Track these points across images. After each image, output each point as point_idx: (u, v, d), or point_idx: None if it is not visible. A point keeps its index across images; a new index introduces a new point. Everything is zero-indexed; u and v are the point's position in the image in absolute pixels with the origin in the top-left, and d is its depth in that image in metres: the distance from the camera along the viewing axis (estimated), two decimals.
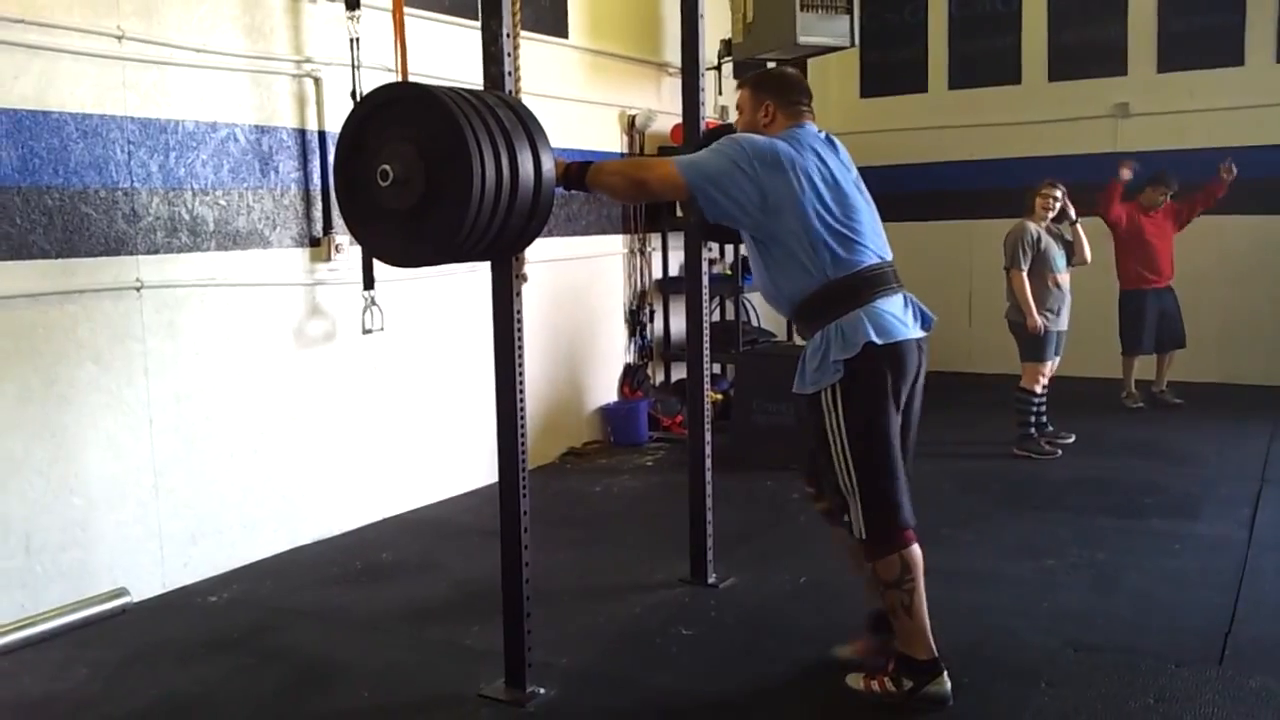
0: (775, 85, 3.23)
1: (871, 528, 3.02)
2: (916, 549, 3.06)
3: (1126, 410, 7.27)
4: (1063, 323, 6.14)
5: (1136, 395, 7.33)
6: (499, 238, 2.82)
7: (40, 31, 3.72)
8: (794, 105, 3.19)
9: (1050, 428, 6.31)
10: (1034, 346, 6.10)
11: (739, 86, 3.34)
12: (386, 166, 2.72)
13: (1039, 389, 6.16)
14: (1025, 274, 6.00)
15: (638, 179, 3.16)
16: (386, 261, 3.00)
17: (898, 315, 3.03)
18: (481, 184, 2.66)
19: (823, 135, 3.18)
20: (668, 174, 3.04)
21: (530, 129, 2.84)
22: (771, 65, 3.35)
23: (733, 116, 7.71)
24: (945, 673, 3.06)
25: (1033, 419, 6.17)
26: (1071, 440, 6.28)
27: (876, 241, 3.08)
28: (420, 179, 2.71)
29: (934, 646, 3.07)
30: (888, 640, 3.19)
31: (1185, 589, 3.96)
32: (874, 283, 3.02)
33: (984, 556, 4.41)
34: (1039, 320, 5.98)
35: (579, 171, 3.06)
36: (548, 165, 2.85)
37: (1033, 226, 6.07)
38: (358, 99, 4.71)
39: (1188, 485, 5.39)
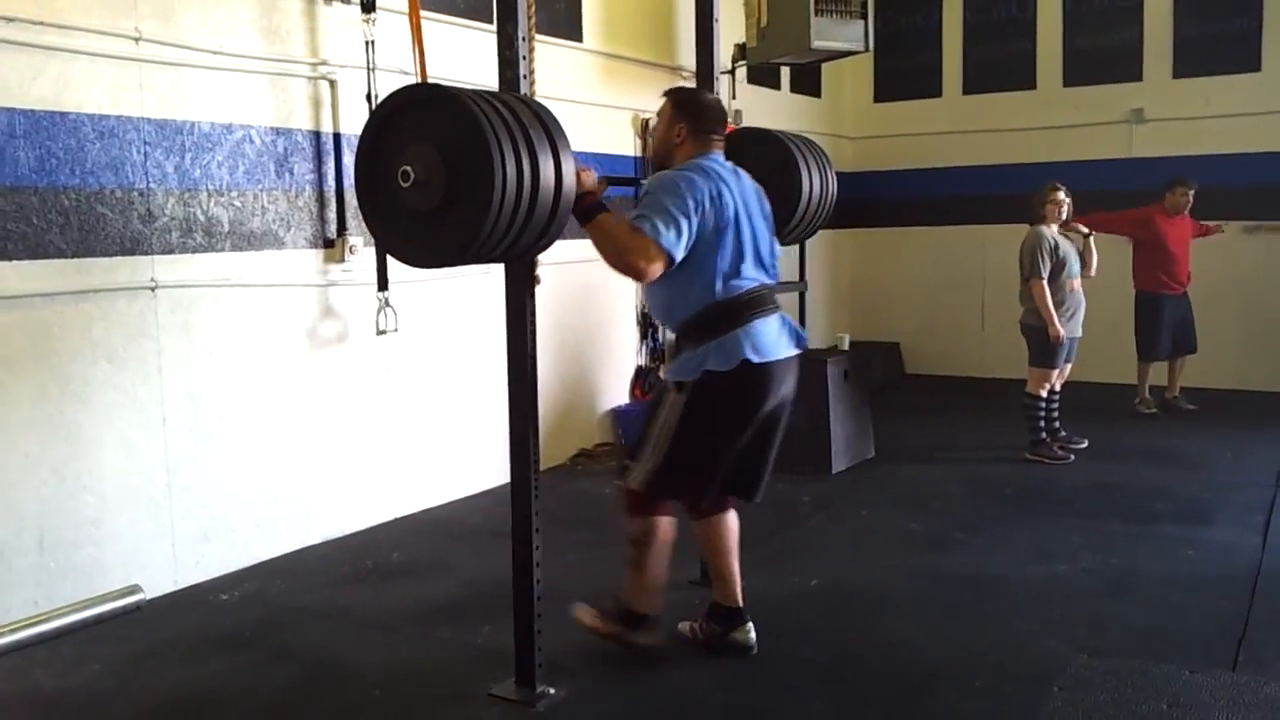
0: (692, 110, 3.34)
1: (645, 490, 3.27)
2: (666, 523, 3.36)
3: (1139, 416, 7.24)
4: (1077, 328, 6.13)
5: (1150, 401, 7.31)
6: (517, 241, 2.82)
7: (58, 33, 3.75)
8: (705, 134, 3.33)
9: (1063, 432, 6.29)
10: (1045, 352, 6.08)
11: (664, 95, 3.45)
12: (408, 167, 2.72)
13: (1045, 393, 6.13)
14: (1045, 282, 5.96)
15: (623, 256, 3.07)
16: (404, 261, 2.99)
17: (773, 336, 3.23)
18: (502, 188, 2.65)
19: (729, 166, 3.32)
20: (651, 263, 3.05)
21: (552, 132, 2.83)
22: (683, 85, 3.49)
23: (745, 120, 7.75)
24: (653, 627, 3.42)
25: (1043, 423, 6.15)
26: (1084, 445, 6.27)
27: (760, 267, 3.28)
28: (441, 181, 2.70)
29: (655, 604, 3.42)
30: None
31: (1198, 594, 3.94)
32: (752, 305, 3.22)
33: (996, 561, 4.40)
34: (1061, 329, 5.95)
35: (590, 208, 3.05)
36: (568, 170, 2.83)
37: (1047, 232, 6.04)
38: (375, 101, 4.74)
39: (1200, 491, 5.37)
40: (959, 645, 3.53)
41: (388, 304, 4.94)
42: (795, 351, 3.31)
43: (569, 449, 6.37)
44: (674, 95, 3.43)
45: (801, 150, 3.98)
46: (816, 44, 6.40)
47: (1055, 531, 4.78)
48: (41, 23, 3.70)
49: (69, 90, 3.80)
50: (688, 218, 3.06)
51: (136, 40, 4.00)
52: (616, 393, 6.83)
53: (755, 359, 3.14)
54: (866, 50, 6.68)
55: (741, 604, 3.50)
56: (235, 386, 4.42)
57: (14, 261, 3.66)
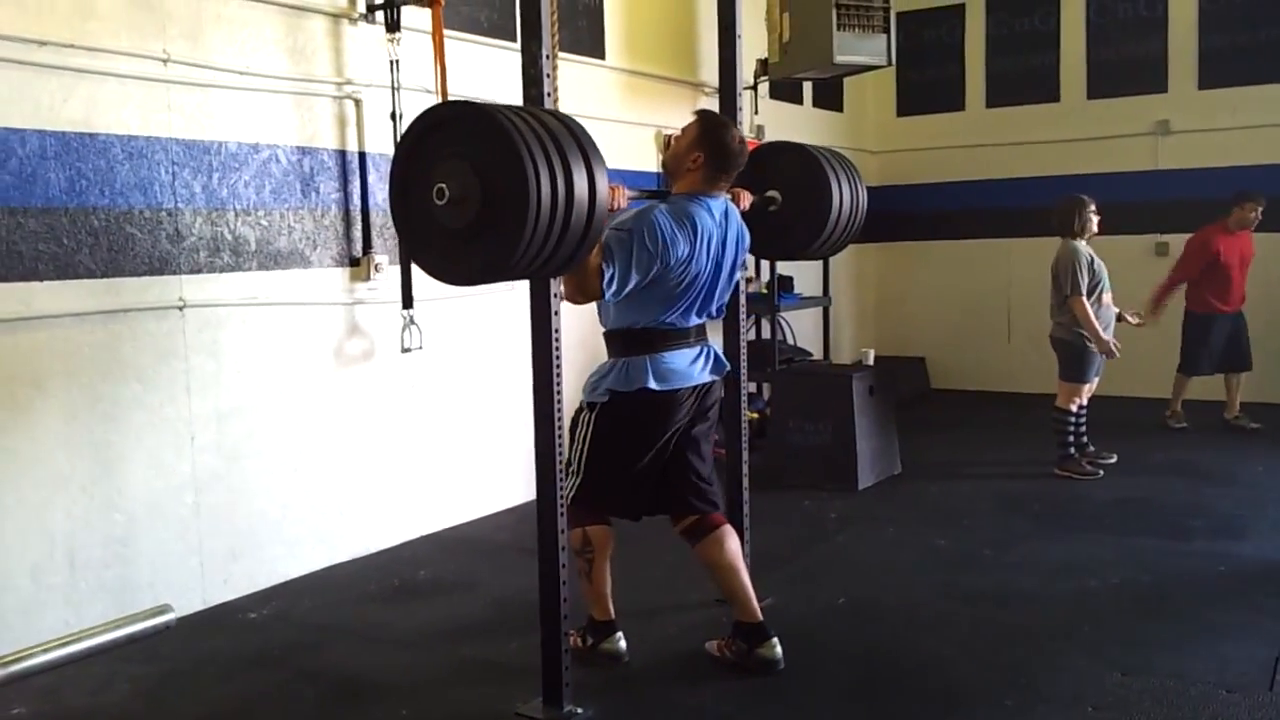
0: (714, 147, 3.35)
1: (572, 506, 3.36)
2: (601, 530, 3.51)
3: (1169, 429, 7.14)
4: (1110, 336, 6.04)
5: (1181, 415, 7.20)
6: (552, 258, 2.80)
7: (88, 55, 3.79)
8: (718, 173, 3.38)
9: (1091, 447, 6.23)
10: (1076, 367, 6.02)
11: (696, 114, 3.50)
12: (442, 185, 2.71)
13: (1075, 408, 6.07)
14: (1085, 298, 5.88)
15: (573, 286, 3.20)
16: (439, 279, 2.96)
17: (681, 368, 3.38)
18: (537, 205, 2.64)
19: (722, 208, 3.41)
20: (585, 301, 3.26)
21: (585, 147, 2.83)
22: (704, 111, 3.52)
23: (768, 135, 7.74)
24: (619, 633, 3.56)
25: (1071, 438, 6.09)
26: (1113, 460, 6.20)
27: (695, 312, 3.40)
28: (476, 198, 2.69)
29: (611, 610, 3.57)
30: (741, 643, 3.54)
31: (1232, 612, 3.89)
32: (671, 337, 3.37)
33: (1026, 578, 4.36)
34: (1110, 343, 5.88)
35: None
36: (601, 185, 2.82)
37: (1083, 247, 5.98)
38: (400, 119, 4.77)
39: (1232, 506, 5.30)
40: (989, 664, 3.50)
41: (413, 322, 4.95)
42: (709, 378, 3.46)
43: None
44: (704, 122, 3.43)
45: (832, 163, 3.97)
46: (839, 59, 6.40)
47: (1085, 548, 4.73)
48: (72, 45, 3.74)
49: (98, 112, 3.84)
50: (644, 273, 3.18)
51: (165, 62, 4.04)
52: None
53: (656, 386, 3.31)
54: (889, 64, 6.67)
55: (761, 619, 3.50)
56: (263, 405, 4.44)
57: (45, 282, 3.70)
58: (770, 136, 7.55)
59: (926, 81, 9.25)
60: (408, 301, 4.92)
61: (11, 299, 3.61)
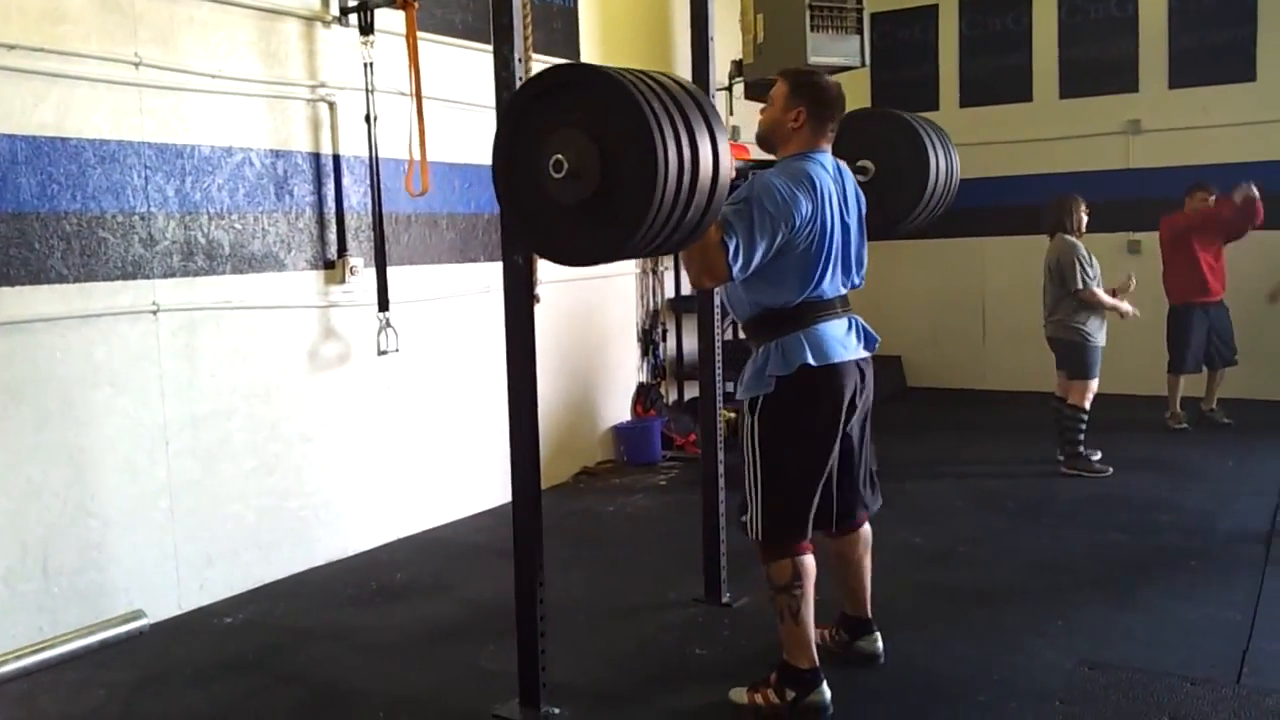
0: (812, 95, 3.17)
1: (767, 532, 3.13)
2: (810, 559, 3.15)
3: (1170, 431, 7.08)
4: (1102, 338, 6.10)
5: (1181, 416, 7.13)
6: (673, 234, 2.60)
7: (59, 60, 3.77)
8: (823, 123, 3.18)
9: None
10: (1083, 364, 6.03)
11: (779, 75, 3.29)
12: (559, 156, 2.50)
13: (1088, 405, 6.05)
14: (1094, 286, 5.93)
15: (696, 267, 3.02)
16: (553, 259, 2.77)
17: (838, 338, 3.13)
18: (664, 178, 2.41)
19: (835, 165, 3.21)
20: (715, 281, 3.04)
21: (708, 113, 2.59)
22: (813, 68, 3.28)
23: (744, 137, 7.76)
24: (825, 682, 3.14)
25: (1082, 436, 6.09)
26: (1097, 457, 6.22)
27: (839, 277, 3.18)
28: (595, 171, 2.48)
29: (816, 656, 3.16)
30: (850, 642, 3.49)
31: (1201, 606, 3.94)
32: (818, 308, 3.12)
33: (1000, 574, 4.40)
34: (1129, 309, 5.97)
35: None
36: (725, 153, 2.59)
37: (1080, 243, 6.02)
38: (373, 120, 4.76)
39: (1203, 502, 5.36)
40: (962, 660, 3.53)
41: (388, 324, 4.95)
42: (864, 353, 3.21)
43: (571, 467, 6.37)
44: (792, 76, 3.24)
45: (928, 131, 3.78)
46: (813, 59, 6.37)
47: (1058, 544, 4.78)
48: (43, 49, 3.72)
49: (70, 116, 3.83)
50: (769, 240, 2.95)
51: (136, 65, 4.03)
52: (618, 410, 6.83)
53: (813, 362, 3.05)
54: (863, 65, 6.64)
55: (869, 615, 3.50)
56: (237, 409, 4.43)
57: (16, 287, 3.68)
58: (746, 138, 7.58)
59: (901, 82, 9.29)
60: (383, 304, 4.92)
61: None
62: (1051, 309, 6.14)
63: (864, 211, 3.30)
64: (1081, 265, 5.93)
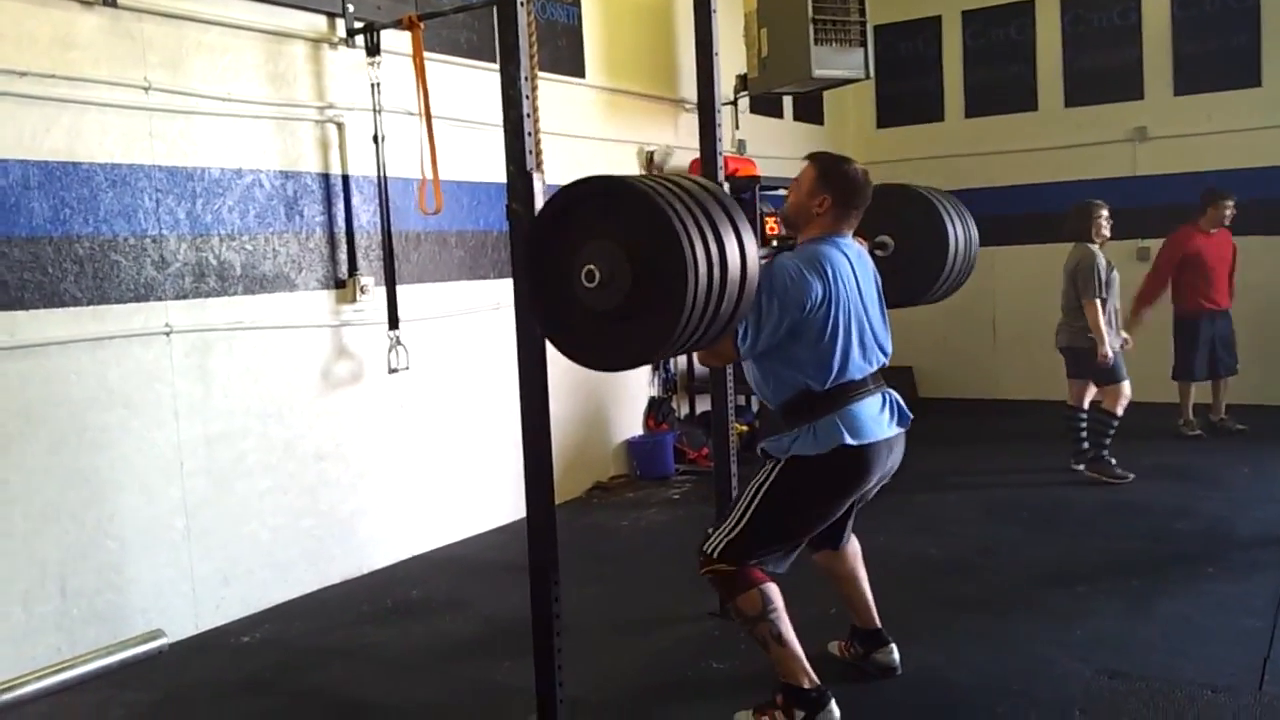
0: (840, 184, 3.18)
1: (724, 561, 3.08)
2: (772, 585, 3.10)
3: (1184, 438, 7.05)
4: (1115, 343, 6.08)
5: (1194, 423, 7.12)
6: (705, 333, 2.62)
7: (69, 85, 3.81)
8: (848, 210, 3.19)
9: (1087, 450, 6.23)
10: (1106, 369, 6.00)
11: (808, 159, 3.29)
12: (592, 267, 2.53)
13: (1120, 410, 6.03)
14: (1098, 301, 5.90)
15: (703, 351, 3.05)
16: (582, 363, 2.78)
17: (873, 416, 3.11)
18: (695, 285, 2.44)
19: (854, 248, 3.22)
20: (720, 361, 3.20)
21: (734, 217, 2.61)
22: (835, 155, 3.30)
23: (749, 151, 7.78)
24: (832, 700, 3.10)
25: (1109, 440, 6.05)
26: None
27: (867, 356, 3.15)
28: (626, 279, 2.51)
29: (813, 673, 3.12)
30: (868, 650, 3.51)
31: (1221, 614, 3.92)
32: (850, 390, 3.09)
33: (1016, 584, 4.38)
34: (1110, 350, 5.90)
35: None
36: (752, 253, 2.62)
37: (1099, 253, 6.01)
38: (381, 140, 4.79)
39: (1220, 508, 5.34)
40: (981, 671, 3.52)
41: (399, 342, 4.97)
42: (897, 431, 3.19)
43: (584, 482, 6.37)
44: (820, 163, 3.23)
45: (945, 205, 3.80)
46: (817, 73, 6.43)
47: (1074, 553, 4.76)
48: (53, 75, 3.76)
49: (81, 141, 3.86)
50: (776, 321, 2.96)
51: (146, 90, 4.06)
52: (630, 425, 6.84)
53: (852, 442, 3.02)
54: (867, 77, 6.70)
55: (879, 625, 3.52)
56: (251, 428, 4.44)
57: (30, 310, 3.71)
58: (752, 151, 7.60)
59: (905, 93, 9.31)
60: (394, 322, 4.94)
61: None
62: (1065, 313, 6.13)
63: (881, 291, 3.30)
64: (1096, 277, 5.91)
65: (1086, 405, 6.18)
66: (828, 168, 3.20)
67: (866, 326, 3.16)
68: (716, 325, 2.61)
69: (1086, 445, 6.15)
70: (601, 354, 2.69)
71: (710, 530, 3.19)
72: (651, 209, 2.48)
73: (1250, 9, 7.94)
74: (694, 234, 2.46)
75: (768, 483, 3.10)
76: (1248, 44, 7.98)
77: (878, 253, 3.63)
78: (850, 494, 3.15)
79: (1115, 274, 6.08)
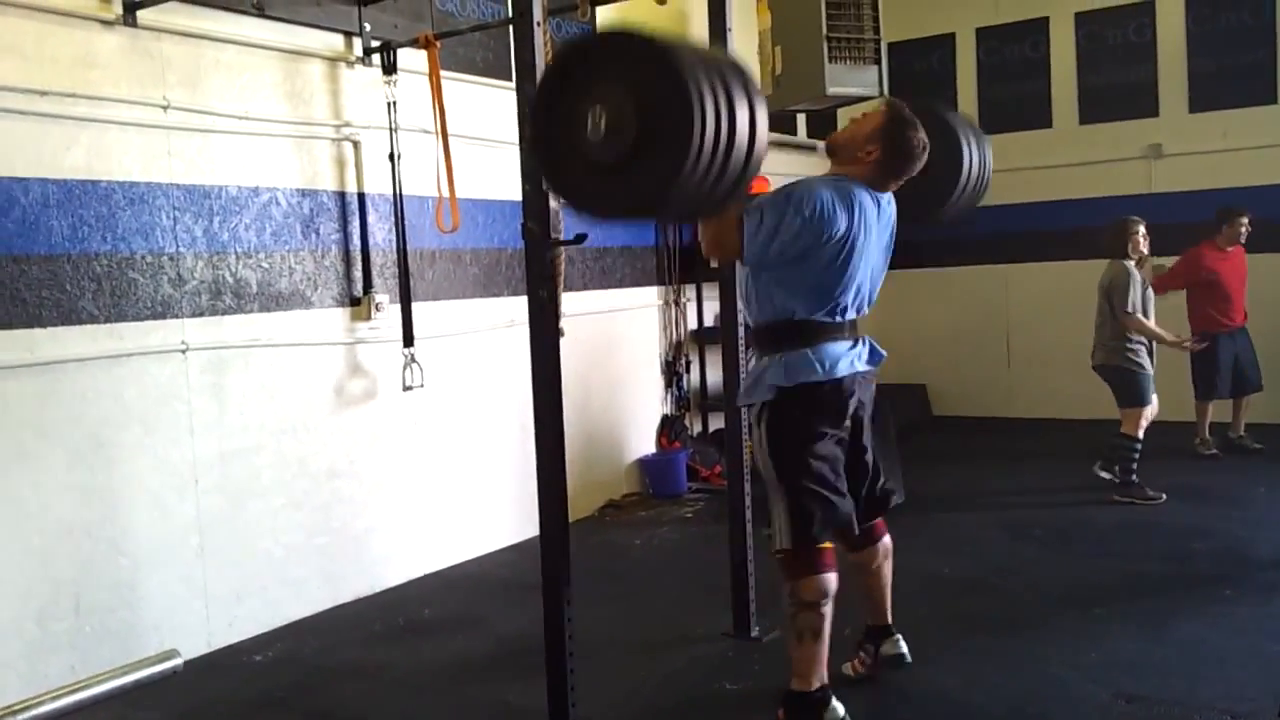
0: (896, 148, 3.17)
1: (792, 537, 3.11)
2: (834, 577, 3.14)
3: (1200, 457, 6.99)
4: (1150, 366, 6.02)
5: (1210, 441, 7.06)
6: (705, 200, 2.64)
7: (89, 104, 3.84)
8: (887, 176, 3.20)
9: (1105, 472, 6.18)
10: (1134, 392, 5.96)
11: (886, 101, 3.31)
12: (597, 112, 2.53)
13: (1141, 434, 5.97)
14: (1130, 314, 5.88)
15: (711, 242, 3.13)
16: (583, 214, 2.80)
17: (842, 353, 3.16)
18: (700, 141, 2.44)
19: (880, 198, 3.23)
20: (724, 259, 3.20)
21: (749, 85, 2.60)
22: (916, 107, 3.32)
23: (762, 169, 7.78)
24: (833, 697, 3.13)
25: (1135, 464, 6.01)
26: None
27: (853, 303, 3.21)
28: (632, 129, 2.50)
29: (825, 673, 3.15)
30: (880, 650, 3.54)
31: (1239, 637, 3.88)
32: (829, 330, 3.16)
33: (1030, 604, 4.35)
34: (1173, 336, 5.94)
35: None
36: (762, 126, 2.60)
37: (1134, 270, 5.98)
38: (397, 158, 4.81)
39: (1236, 529, 5.29)
40: (997, 693, 3.49)
41: (414, 360, 4.98)
42: (867, 368, 3.23)
43: (597, 500, 6.36)
44: (890, 117, 3.20)
45: (962, 127, 3.77)
46: (831, 90, 6.38)
47: (1090, 573, 4.73)
48: (74, 94, 3.79)
49: (100, 159, 3.89)
50: (790, 239, 2.99)
51: (165, 109, 4.09)
52: (643, 442, 6.83)
53: (820, 378, 3.09)
54: (881, 95, 6.65)
55: (889, 620, 3.55)
56: (265, 446, 4.45)
57: (48, 328, 3.73)
58: (765, 170, 7.59)
59: None
60: (409, 340, 4.95)
61: (15, 345, 3.64)
62: (1099, 333, 6.09)
63: (890, 247, 3.34)
64: (1131, 289, 5.87)
65: (1141, 432, 6.04)
66: (893, 126, 3.17)
67: (867, 278, 3.22)
68: (723, 185, 2.58)
69: (1131, 470, 6.04)
70: (605, 202, 2.69)
71: (765, 530, 3.21)
72: (661, 56, 2.48)
73: (1266, 26, 7.93)
74: (704, 83, 2.45)
75: (766, 443, 3.15)
76: (1263, 61, 7.96)
77: None
78: (836, 416, 3.17)
79: (1150, 293, 6.03)
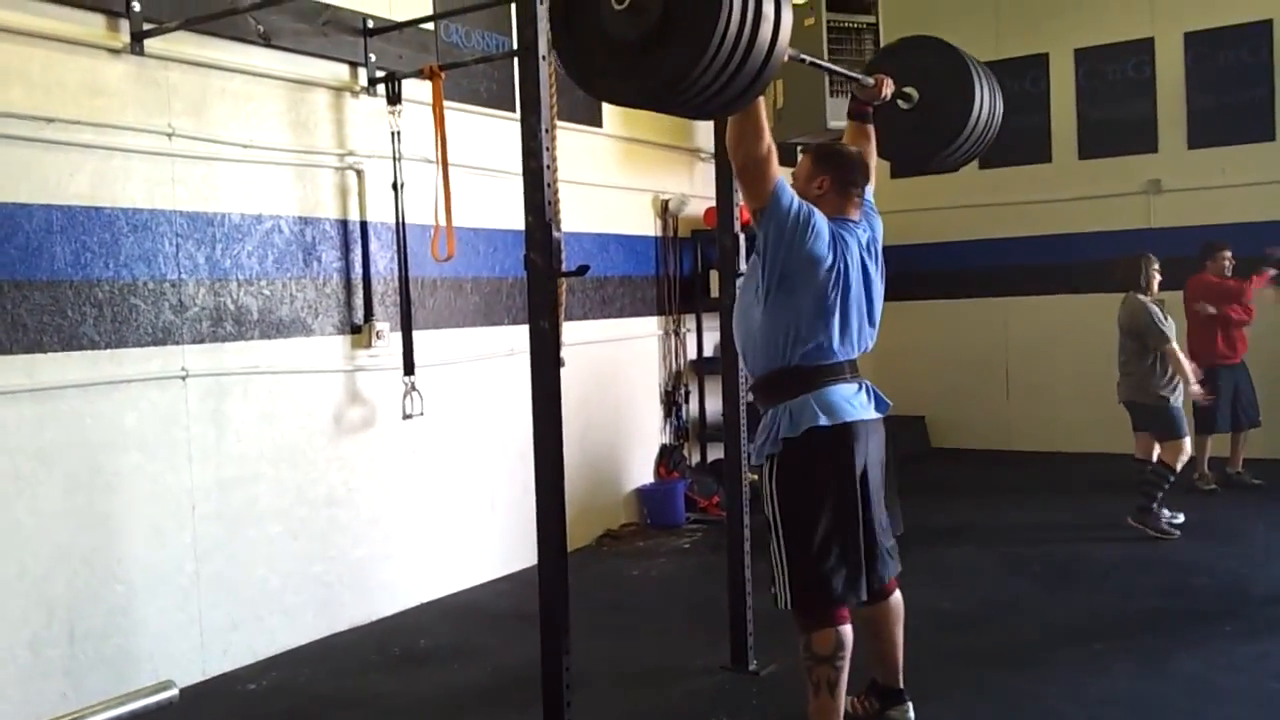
0: (835, 162, 3.27)
1: (801, 602, 3.08)
2: (849, 629, 3.11)
3: (1200, 492, 6.97)
4: (1179, 399, 5.99)
5: (1210, 477, 7.05)
6: (725, 88, 2.56)
7: (94, 131, 3.86)
8: (847, 188, 3.25)
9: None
10: (1169, 426, 5.94)
11: (802, 152, 3.38)
12: None
13: (1180, 465, 5.94)
14: (1169, 343, 5.87)
15: (741, 128, 3.05)
16: (602, 97, 2.77)
17: (847, 398, 3.14)
18: (726, 21, 2.40)
19: (867, 234, 3.26)
20: (755, 149, 3.03)
21: None
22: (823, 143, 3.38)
23: None
24: None
25: (1162, 494, 5.96)
26: (1180, 520, 6.08)
27: (852, 342, 3.20)
28: (658, 5, 2.47)
29: None
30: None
31: (1239, 674, 3.86)
32: (827, 372, 3.14)
33: (1029, 640, 4.33)
34: (1194, 380, 5.88)
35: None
36: (786, 19, 2.57)
37: (1152, 304, 5.99)
38: (400, 188, 4.83)
39: (1237, 565, 5.28)
40: None
41: (414, 388, 4.97)
42: (875, 415, 3.22)
43: (594, 530, 6.35)
44: (815, 149, 3.35)
45: (976, 68, 3.73)
46: (832, 124, 6.44)
47: (1089, 609, 4.71)
48: (79, 122, 3.81)
49: (104, 186, 3.90)
50: (804, 225, 3.02)
51: (170, 136, 4.11)
52: (642, 472, 6.82)
53: (825, 422, 3.05)
54: (880, 128, 6.75)
55: (902, 685, 3.45)
56: (264, 473, 4.44)
57: (49, 353, 3.73)
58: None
59: None
60: (409, 368, 4.95)
61: (16, 371, 3.64)
62: (1125, 368, 6.08)
63: (881, 274, 3.34)
64: (1157, 321, 5.88)
65: (1155, 458, 6.07)
66: (821, 152, 3.32)
67: (864, 314, 3.22)
68: (740, 80, 2.54)
69: (1155, 499, 5.99)
70: (622, 83, 2.62)
71: (771, 588, 3.16)
72: None
73: (1264, 63, 7.99)
74: None
75: (775, 498, 3.11)
76: (1262, 98, 8.02)
77: (901, 104, 3.57)
78: (846, 469, 3.10)
79: (1171, 321, 6.03)
